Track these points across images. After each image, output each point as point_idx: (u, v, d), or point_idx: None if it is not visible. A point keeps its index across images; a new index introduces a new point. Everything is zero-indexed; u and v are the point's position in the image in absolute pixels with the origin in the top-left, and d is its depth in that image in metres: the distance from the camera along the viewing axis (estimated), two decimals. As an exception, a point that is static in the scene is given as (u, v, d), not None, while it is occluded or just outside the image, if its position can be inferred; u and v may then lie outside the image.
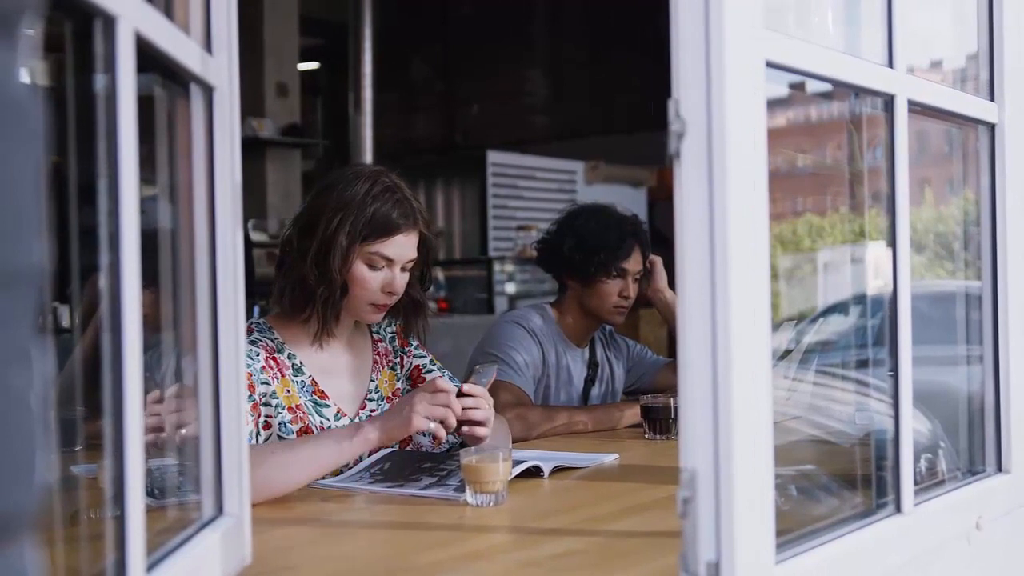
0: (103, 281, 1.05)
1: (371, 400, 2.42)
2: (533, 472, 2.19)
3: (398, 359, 2.53)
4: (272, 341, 2.31)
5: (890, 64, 1.58)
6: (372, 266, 2.29)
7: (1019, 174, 1.91)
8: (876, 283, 2.03)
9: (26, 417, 0.57)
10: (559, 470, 2.27)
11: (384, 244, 2.29)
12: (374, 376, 2.45)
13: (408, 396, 2.18)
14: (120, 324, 1.05)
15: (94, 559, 1.20)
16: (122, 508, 1.05)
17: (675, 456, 1.26)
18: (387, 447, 2.24)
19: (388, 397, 2.46)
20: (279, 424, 2.24)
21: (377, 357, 2.48)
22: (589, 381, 3.23)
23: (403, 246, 2.31)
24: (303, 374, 2.32)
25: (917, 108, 1.65)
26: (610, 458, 2.43)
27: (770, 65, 1.29)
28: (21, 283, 0.57)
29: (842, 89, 1.65)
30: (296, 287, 2.30)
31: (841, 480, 1.78)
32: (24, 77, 0.58)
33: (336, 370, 2.39)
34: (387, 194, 2.31)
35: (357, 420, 2.34)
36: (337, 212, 2.26)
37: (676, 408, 2.74)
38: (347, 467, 2.22)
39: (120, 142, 1.05)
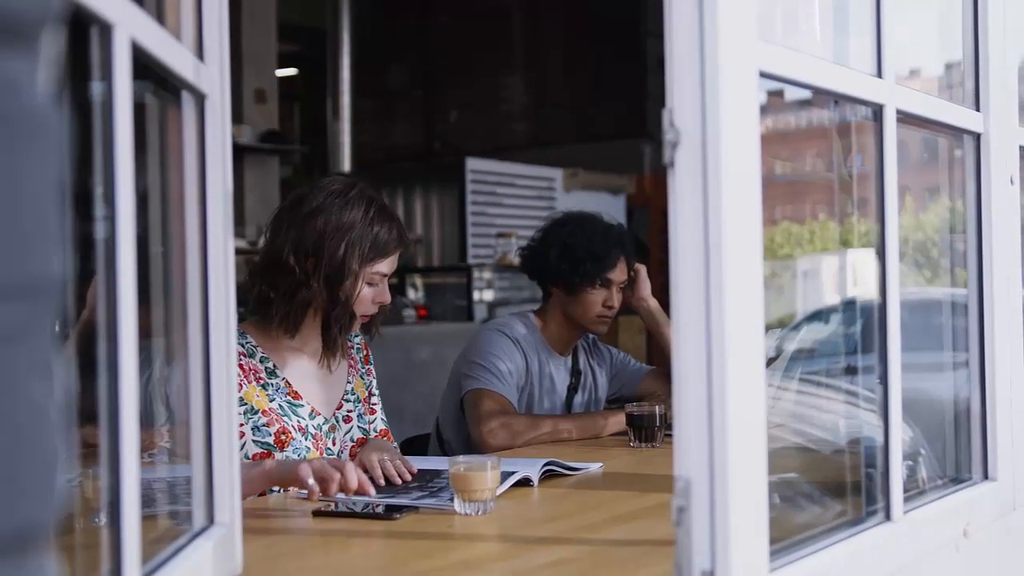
0: (99, 289, 1.04)
1: (347, 400, 2.51)
2: (521, 481, 2.19)
3: (365, 369, 2.62)
4: (243, 346, 2.33)
5: (879, 74, 1.59)
6: (370, 284, 2.39)
7: (1003, 183, 1.93)
8: (858, 291, 2.04)
9: (47, 429, 0.57)
10: (548, 476, 2.27)
11: (384, 263, 2.39)
12: (350, 379, 2.53)
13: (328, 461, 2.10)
14: (116, 332, 1.04)
15: (86, 569, 1.19)
16: (118, 518, 1.04)
17: (661, 464, 1.26)
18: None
19: (364, 399, 2.55)
20: (253, 428, 2.29)
21: (352, 362, 2.56)
22: (572, 389, 3.23)
23: (395, 261, 2.43)
24: (277, 377, 2.37)
25: (904, 117, 1.66)
26: (595, 467, 2.43)
27: (763, 75, 1.30)
28: (41, 294, 0.57)
29: (821, 97, 1.66)
30: (300, 309, 2.35)
31: (827, 488, 1.79)
32: (43, 88, 0.58)
33: (311, 372, 2.44)
34: (383, 215, 2.39)
35: (332, 420, 2.44)
36: (341, 237, 2.32)
37: (661, 416, 2.74)
38: None
39: (116, 149, 1.05)
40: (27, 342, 0.56)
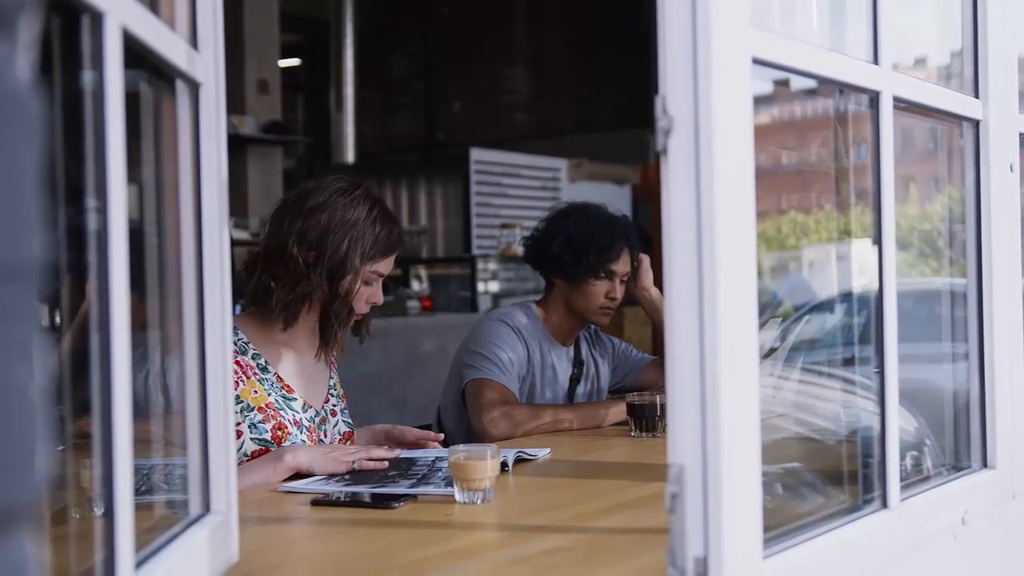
0: (91, 280, 1.04)
1: (332, 395, 2.56)
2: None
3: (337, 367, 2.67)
4: (235, 343, 2.34)
5: (875, 61, 1.59)
6: (367, 283, 2.42)
7: (1003, 170, 1.92)
8: (861, 281, 2.04)
9: (28, 411, 0.57)
10: (519, 462, 2.33)
11: (383, 263, 2.43)
12: (332, 375, 2.59)
13: (350, 447, 2.34)
14: (108, 322, 1.04)
15: (80, 557, 1.19)
16: (110, 506, 1.04)
17: (661, 453, 1.26)
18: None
19: (342, 396, 2.60)
20: (250, 426, 2.31)
21: (332, 359, 2.60)
22: (575, 379, 3.23)
23: (392, 263, 2.48)
24: (269, 372, 2.40)
25: (902, 104, 1.65)
26: (544, 452, 2.48)
27: (757, 62, 1.30)
28: (23, 277, 0.57)
29: (827, 86, 1.66)
30: (299, 301, 2.38)
31: (828, 476, 1.79)
32: (23, 71, 0.58)
33: (299, 368, 2.48)
34: (385, 216, 2.44)
35: (322, 411, 2.49)
36: (344, 233, 2.36)
37: (662, 406, 2.74)
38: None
39: (108, 139, 1.05)
40: (6, 324, 0.56)
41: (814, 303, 2.44)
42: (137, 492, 1.16)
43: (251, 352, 2.39)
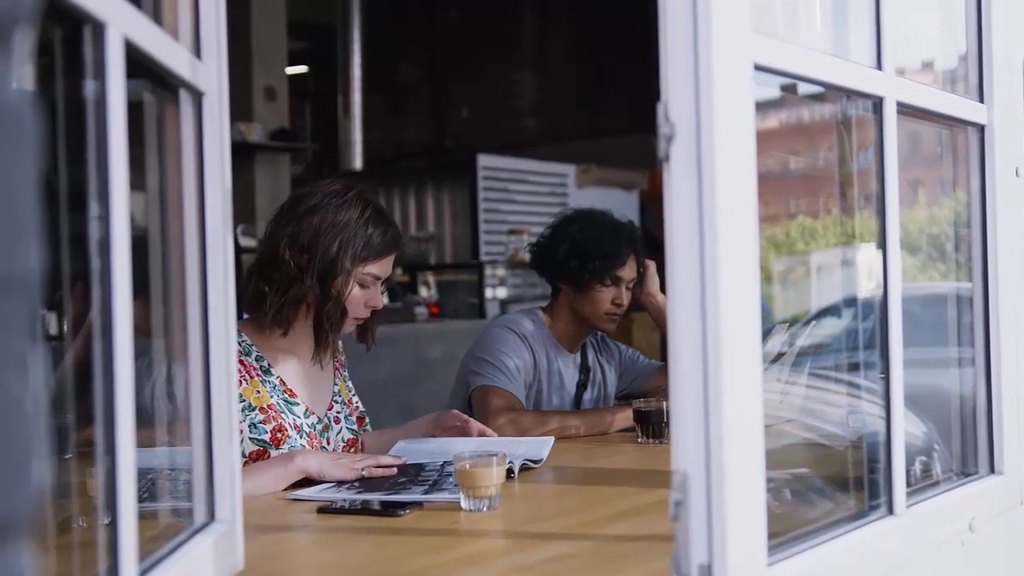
0: (94, 288, 1.04)
1: (336, 402, 2.55)
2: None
3: (346, 372, 2.66)
4: (239, 344, 2.35)
5: (879, 66, 1.58)
6: (362, 285, 2.41)
7: (1008, 175, 1.92)
8: (869, 285, 2.04)
9: (23, 422, 0.57)
10: (524, 469, 2.32)
11: (377, 265, 2.42)
12: (336, 381, 2.58)
13: (358, 455, 2.37)
14: (111, 331, 1.04)
15: (85, 566, 1.19)
16: (114, 514, 1.04)
17: (667, 460, 1.26)
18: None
19: (347, 402, 2.59)
20: (250, 426, 2.32)
21: (337, 365, 2.60)
22: (581, 386, 3.23)
23: (390, 265, 2.46)
24: (272, 375, 2.41)
25: (906, 110, 1.65)
26: (548, 442, 2.50)
27: (759, 68, 1.30)
28: (18, 289, 0.57)
29: (832, 91, 1.66)
30: (292, 304, 2.38)
31: (834, 482, 1.79)
32: (19, 84, 0.58)
33: (303, 374, 2.48)
34: (380, 217, 2.43)
35: (325, 419, 2.48)
36: (335, 235, 2.36)
37: (668, 412, 2.73)
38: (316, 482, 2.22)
39: (110, 148, 1.05)
40: (3, 336, 0.56)
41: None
42: (141, 499, 1.16)
43: (255, 354, 2.40)
